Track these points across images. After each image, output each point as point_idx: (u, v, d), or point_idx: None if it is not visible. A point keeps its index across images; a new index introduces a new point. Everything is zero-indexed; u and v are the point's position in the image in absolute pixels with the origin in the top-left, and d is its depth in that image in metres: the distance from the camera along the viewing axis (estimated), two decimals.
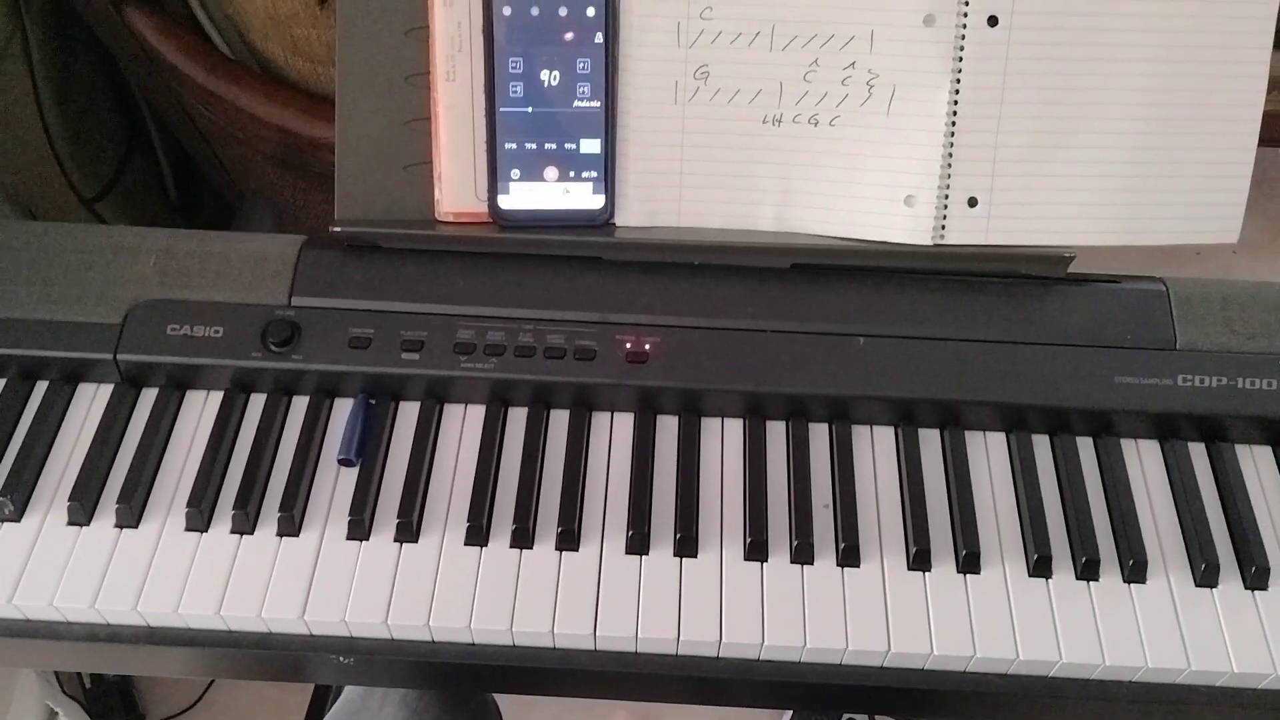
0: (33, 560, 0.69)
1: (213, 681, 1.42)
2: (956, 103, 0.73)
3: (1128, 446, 0.76)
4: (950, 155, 0.74)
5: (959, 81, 0.73)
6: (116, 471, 0.73)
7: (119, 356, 0.74)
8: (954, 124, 0.74)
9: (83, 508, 0.71)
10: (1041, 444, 0.76)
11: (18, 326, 0.75)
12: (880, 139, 0.75)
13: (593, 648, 0.69)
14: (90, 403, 0.76)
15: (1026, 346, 0.76)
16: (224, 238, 0.79)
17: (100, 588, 0.68)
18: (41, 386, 0.77)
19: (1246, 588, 0.70)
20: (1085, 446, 0.76)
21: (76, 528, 0.71)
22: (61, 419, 0.75)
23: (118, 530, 0.71)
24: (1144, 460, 0.76)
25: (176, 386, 0.76)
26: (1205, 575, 0.70)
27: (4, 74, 1.18)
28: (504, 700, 0.96)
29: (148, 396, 0.76)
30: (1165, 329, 0.76)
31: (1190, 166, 0.75)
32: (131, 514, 0.71)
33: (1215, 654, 0.68)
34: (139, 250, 0.78)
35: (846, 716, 1.35)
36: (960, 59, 0.73)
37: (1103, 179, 0.75)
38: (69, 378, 0.77)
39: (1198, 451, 0.76)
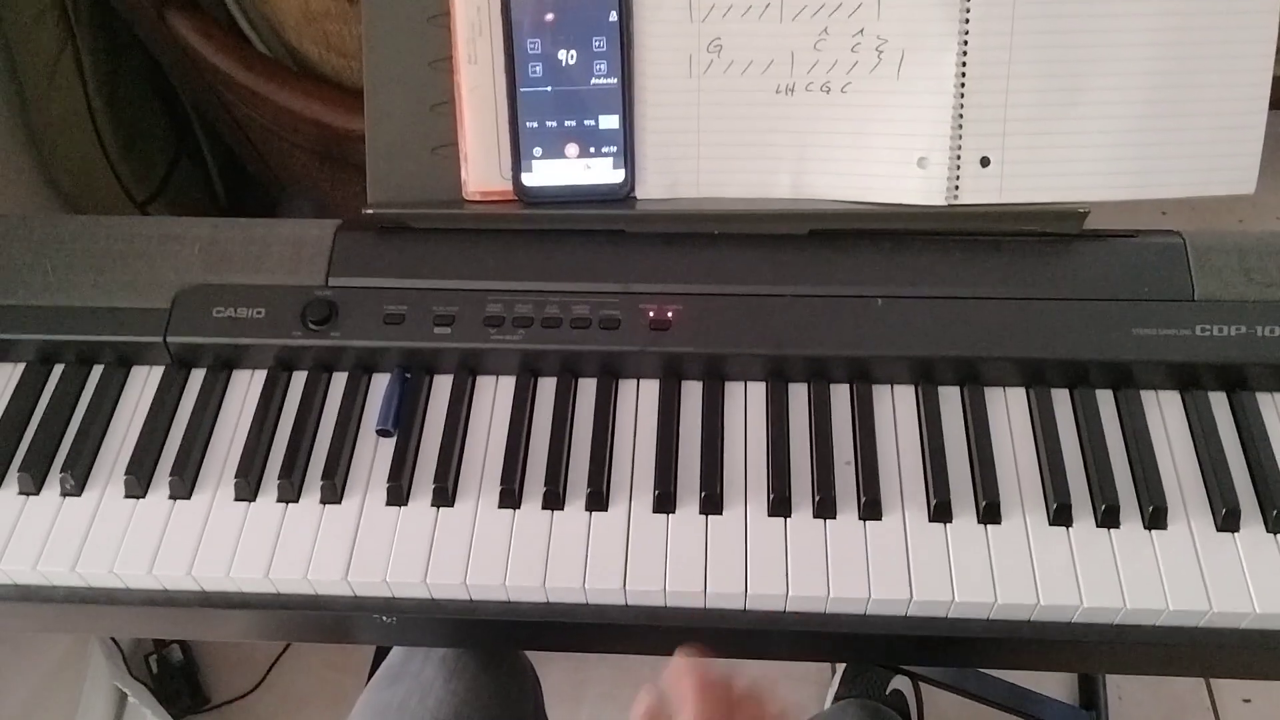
0: (93, 531, 0.73)
1: (274, 665, 1.47)
2: (965, 64, 0.75)
3: (1148, 398, 0.77)
4: (961, 116, 0.76)
5: (966, 43, 0.74)
6: (169, 447, 0.77)
7: (168, 339, 0.78)
8: (963, 85, 0.75)
9: (139, 481, 0.75)
10: (1061, 398, 0.77)
11: (74, 314, 0.80)
12: (891, 103, 0.76)
13: (623, 603, 0.71)
14: (143, 384, 0.81)
15: (1044, 302, 0.77)
16: (263, 224, 0.82)
17: (156, 555, 0.72)
18: (97, 370, 0.81)
19: (1268, 530, 0.71)
20: (1105, 400, 0.77)
21: (133, 500, 0.75)
22: (117, 399, 0.80)
23: (171, 501, 0.75)
24: (1164, 410, 0.77)
25: (223, 366, 0.80)
26: (1226, 520, 0.71)
27: (58, 84, 1.23)
28: (558, 672, 0.98)
29: (196, 376, 0.80)
30: (1183, 280, 0.77)
31: (1202, 118, 0.76)
32: (184, 486, 0.75)
33: (1237, 596, 0.68)
34: (184, 238, 0.82)
35: (892, 689, 1.36)
36: (967, 20, 0.74)
37: (1114, 133, 0.76)
38: (122, 361, 0.81)
39: (1218, 400, 0.77)
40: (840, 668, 1.37)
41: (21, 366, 0.82)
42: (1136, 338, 0.76)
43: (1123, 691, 1.40)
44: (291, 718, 1.44)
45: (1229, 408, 0.77)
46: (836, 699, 1.31)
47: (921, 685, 1.37)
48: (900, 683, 1.36)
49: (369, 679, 1.44)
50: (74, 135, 1.26)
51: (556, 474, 0.74)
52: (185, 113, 1.43)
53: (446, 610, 0.72)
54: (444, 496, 0.74)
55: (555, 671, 1.00)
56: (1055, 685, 1.39)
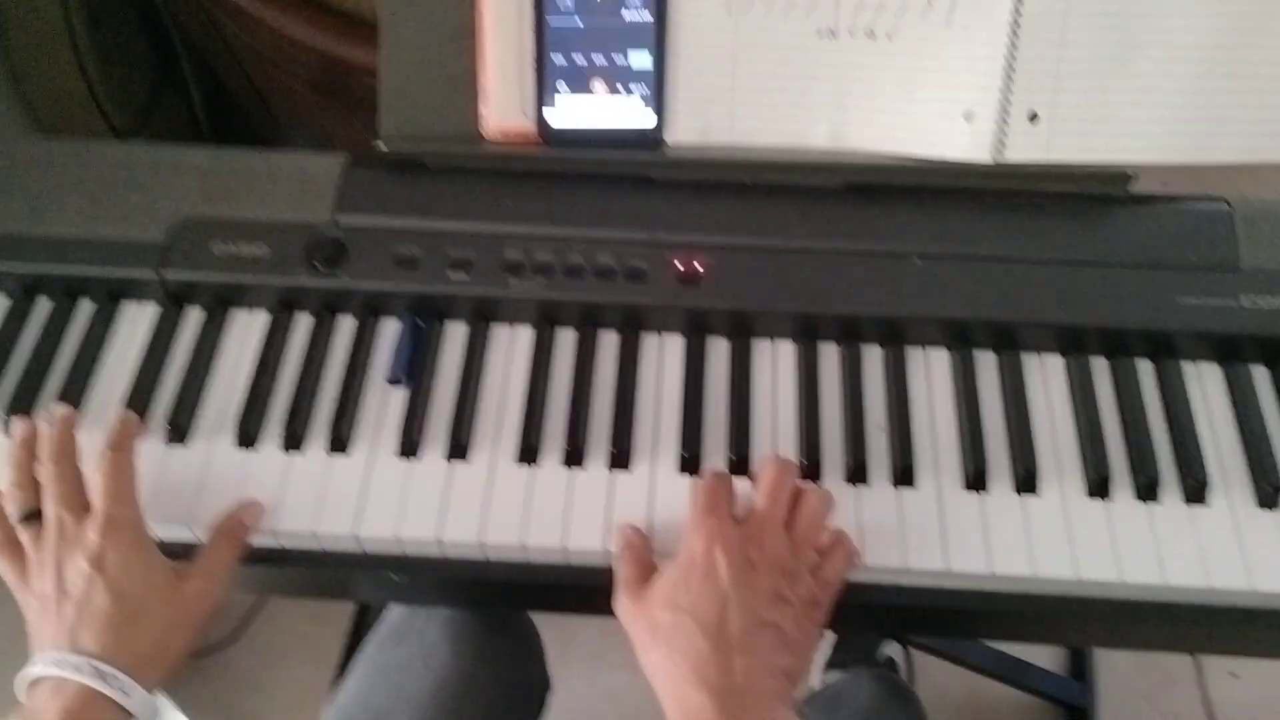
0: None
1: (252, 618, 1.43)
2: (1020, 13, 0.71)
3: (1188, 369, 0.75)
4: (1012, 69, 0.72)
5: None
6: (164, 390, 0.73)
7: (164, 274, 0.74)
8: (1016, 35, 0.71)
9: None
10: (1100, 367, 0.75)
11: (61, 244, 0.75)
12: (939, 52, 0.73)
13: None
14: (136, 322, 0.76)
15: (1086, 267, 0.74)
16: (266, 155, 0.78)
17: (151, 505, 0.67)
18: (86, 305, 0.76)
19: None
20: (1145, 370, 0.75)
21: None
22: (107, 338, 0.75)
23: (168, 447, 0.70)
24: (1205, 383, 0.74)
25: (222, 305, 0.76)
26: (1269, 496, 0.69)
27: (38, 2, 1.16)
28: (544, 631, 0.95)
29: (193, 315, 0.76)
30: (1229, 249, 0.75)
31: (1260, 81, 0.73)
32: (180, 432, 0.70)
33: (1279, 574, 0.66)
34: (181, 167, 0.77)
35: (885, 655, 1.34)
36: None
37: (1169, 94, 0.72)
38: (113, 296, 0.76)
39: (1260, 374, 0.75)
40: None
41: (4, 300, 0.77)
42: (1180, 307, 0.73)
43: (1111, 662, 1.39)
44: (271, 670, 1.40)
45: (1271, 382, 0.74)
46: (829, 665, 1.30)
47: (913, 652, 1.36)
48: (892, 649, 1.34)
49: (350, 633, 1.42)
50: (52, 56, 1.19)
51: (577, 430, 0.71)
52: (170, 38, 1.36)
53: (459, 569, 0.69)
54: (459, 449, 0.70)
55: (541, 630, 0.97)
56: (1045, 655, 1.39)
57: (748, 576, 0.59)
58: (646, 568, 0.63)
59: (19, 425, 0.67)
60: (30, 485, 0.64)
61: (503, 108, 0.75)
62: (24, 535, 0.63)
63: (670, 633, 0.58)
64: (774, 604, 0.59)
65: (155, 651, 0.60)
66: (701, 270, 0.74)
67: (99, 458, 0.64)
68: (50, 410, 0.68)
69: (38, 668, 0.58)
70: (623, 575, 0.63)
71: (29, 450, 0.65)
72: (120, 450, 0.64)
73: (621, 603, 0.62)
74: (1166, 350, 0.75)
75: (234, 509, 0.67)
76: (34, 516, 0.63)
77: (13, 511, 0.64)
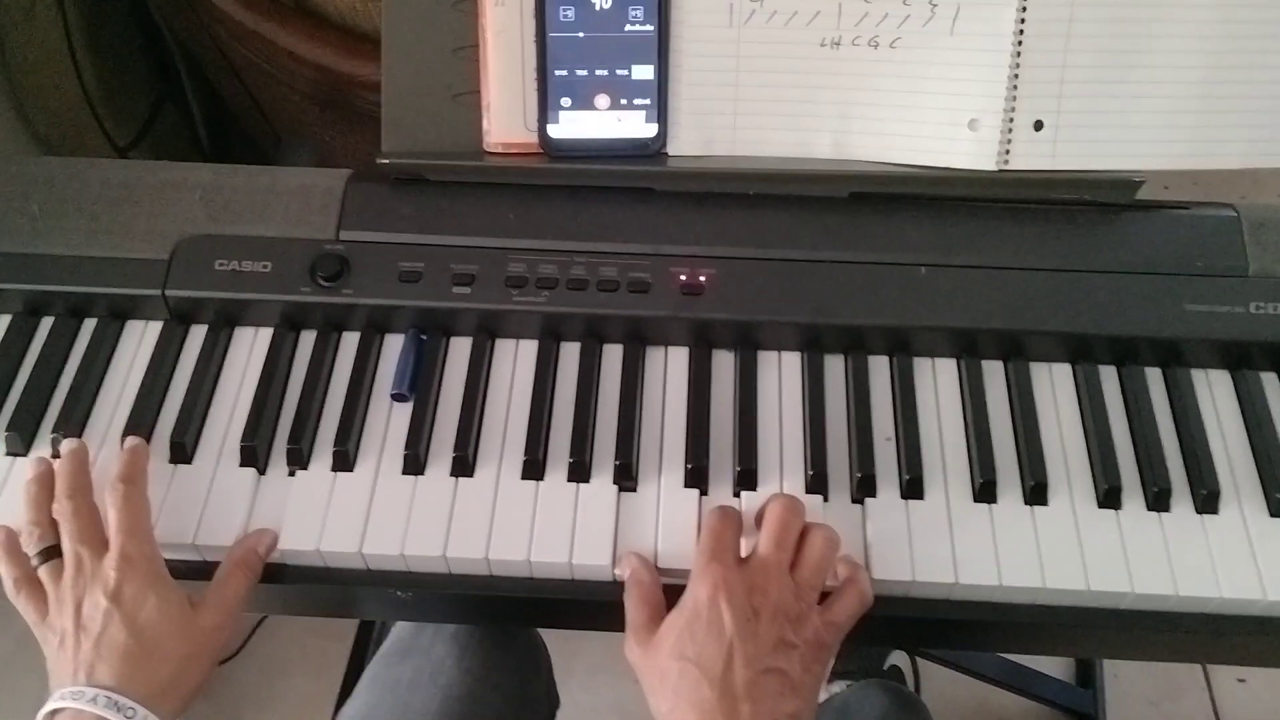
0: None
1: (254, 631, 1.43)
2: (1023, 21, 0.71)
3: (1197, 377, 0.74)
4: (1016, 77, 0.72)
5: None
6: (169, 407, 0.72)
7: (168, 292, 0.74)
8: (1020, 44, 0.71)
9: None
10: (1109, 375, 0.74)
11: (64, 263, 0.74)
12: (943, 61, 0.72)
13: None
14: (139, 339, 0.76)
15: (1093, 275, 0.74)
16: (269, 172, 0.78)
17: (157, 522, 0.67)
18: (89, 323, 0.76)
19: None
20: (1154, 378, 0.74)
21: None
22: (111, 355, 0.75)
23: (172, 466, 0.70)
24: (1214, 391, 0.74)
25: (226, 323, 0.75)
26: None
27: (37, 20, 1.17)
28: (549, 645, 0.95)
29: (197, 333, 0.76)
30: (1237, 255, 0.74)
31: (1263, 86, 0.72)
32: (185, 450, 0.70)
33: None
34: (184, 185, 0.76)
35: (890, 664, 1.34)
36: None
37: (1174, 100, 0.72)
38: (117, 314, 0.76)
39: (1270, 381, 0.74)
40: None
41: (7, 318, 0.76)
42: (1189, 314, 0.73)
43: (1119, 670, 1.39)
44: (273, 685, 1.40)
45: None
46: (836, 675, 1.29)
47: (919, 660, 1.35)
48: (897, 658, 1.34)
49: (354, 646, 1.41)
50: (53, 74, 1.20)
51: (582, 445, 0.70)
52: (169, 53, 1.36)
53: (464, 585, 0.68)
54: (464, 466, 0.69)
55: (546, 644, 0.96)
56: (1052, 662, 1.38)
57: (752, 625, 0.58)
58: (655, 608, 0.63)
59: (34, 462, 0.67)
60: (47, 522, 0.64)
61: (505, 121, 0.75)
62: (43, 572, 0.63)
63: (677, 681, 0.58)
64: (778, 650, 0.58)
65: (171, 683, 0.60)
66: (705, 282, 0.74)
67: (112, 490, 0.64)
68: (62, 444, 0.68)
69: (54, 700, 0.58)
70: (631, 619, 0.63)
71: (44, 487, 0.65)
72: (132, 483, 0.64)
73: (630, 648, 0.62)
74: (1175, 358, 0.74)
75: (247, 538, 0.66)
76: (52, 553, 0.63)
77: (31, 548, 0.64)
